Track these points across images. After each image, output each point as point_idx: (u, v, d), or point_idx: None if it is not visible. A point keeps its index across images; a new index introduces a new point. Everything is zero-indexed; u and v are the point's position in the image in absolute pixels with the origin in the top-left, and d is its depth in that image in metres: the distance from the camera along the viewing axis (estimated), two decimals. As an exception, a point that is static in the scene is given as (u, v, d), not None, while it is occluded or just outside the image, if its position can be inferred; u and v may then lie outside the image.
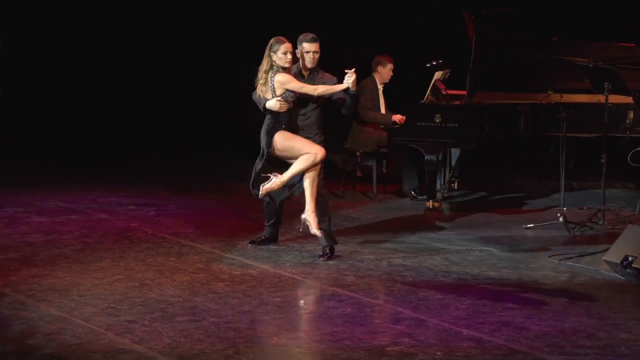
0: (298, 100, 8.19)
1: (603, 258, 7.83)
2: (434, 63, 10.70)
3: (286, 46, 8.10)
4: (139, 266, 7.76)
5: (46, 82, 14.88)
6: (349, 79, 8.14)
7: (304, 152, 8.13)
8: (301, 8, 13.40)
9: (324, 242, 8.23)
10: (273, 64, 8.12)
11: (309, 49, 8.25)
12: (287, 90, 8.11)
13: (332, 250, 8.21)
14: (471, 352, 5.80)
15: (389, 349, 5.85)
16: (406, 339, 6.02)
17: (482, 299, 6.95)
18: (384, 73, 11.05)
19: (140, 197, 10.82)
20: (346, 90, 8.19)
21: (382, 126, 10.95)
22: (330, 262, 8.04)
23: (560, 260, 8.16)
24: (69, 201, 10.48)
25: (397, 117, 10.61)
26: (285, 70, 8.11)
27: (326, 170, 12.39)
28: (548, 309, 6.72)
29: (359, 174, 11.54)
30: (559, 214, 9.45)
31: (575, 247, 8.68)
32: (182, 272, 7.62)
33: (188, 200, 10.72)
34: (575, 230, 9.32)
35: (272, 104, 8.09)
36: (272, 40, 8.15)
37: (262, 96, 8.15)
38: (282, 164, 8.22)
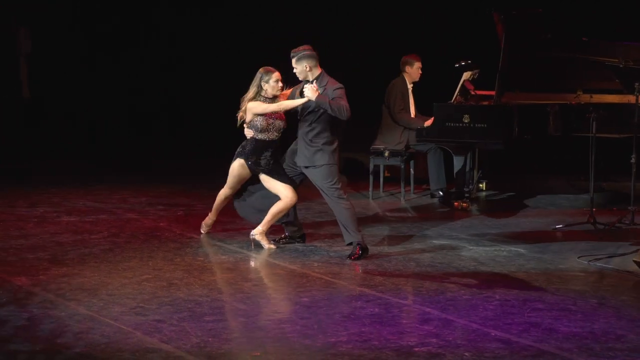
0: (301, 114, 8.27)
1: (633, 259, 7.79)
2: (463, 63, 10.66)
3: (276, 75, 8.38)
4: (167, 266, 7.78)
5: (74, 84, 14.94)
6: (307, 89, 8.07)
7: (280, 193, 8.40)
8: (328, 8, 13.39)
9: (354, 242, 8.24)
10: (260, 92, 8.36)
11: (294, 66, 8.25)
12: (256, 115, 8.37)
13: (363, 250, 8.22)
14: (499, 353, 5.77)
15: (416, 349, 5.84)
16: (434, 340, 6.01)
17: (511, 300, 6.92)
18: (412, 72, 11.04)
19: (168, 197, 10.85)
20: (307, 101, 8.16)
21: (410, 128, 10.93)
22: (358, 262, 8.03)
23: (590, 261, 8.12)
24: (98, 201, 10.53)
25: (429, 123, 10.57)
26: (279, 96, 8.42)
27: (354, 170, 12.47)
28: (577, 310, 6.68)
29: (386, 174, 11.52)
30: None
31: (604, 248, 8.63)
32: (210, 271, 7.64)
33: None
34: (604, 231, 9.26)
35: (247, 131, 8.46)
36: (261, 71, 8.38)
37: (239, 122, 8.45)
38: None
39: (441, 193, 11.01)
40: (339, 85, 8.22)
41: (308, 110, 8.23)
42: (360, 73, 12.95)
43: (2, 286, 7.07)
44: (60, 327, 6.17)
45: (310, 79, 8.22)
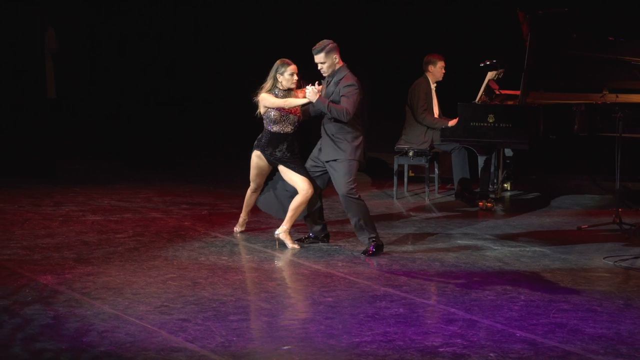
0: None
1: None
2: (488, 63, 10.63)
3: (292, 68, 8.45)
4: (191, 265, 7.80)
5: (97, 83, 15.00)
6: (308, 91, 8.15)
7: (297, 186, 8.42)
8: (352, 6, 13.37)
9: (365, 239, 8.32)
10: (275, 84, 8.45)
11: (316, 61, 8.28)
12: (267, 108, 8.46)
13: (378, 247, 8.26)
14: (525, 354, 5.76)
15: (441, 349, 5.83)
16: (459, 340, 5.99)
17: (536, 300, 6.90)
18: (435, 72, 11.01)
19: (192, 196, 10.88)
20: (309, 103, 8.28)
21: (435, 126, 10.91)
22: (382, 262, 8.02)
23: (615, 261, 8.08)
24: (122, 200, 10.56)
25: (453, 123, 10.55)
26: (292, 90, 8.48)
27: (379, 169, 12.46)
28: (603, 311, 6.65)
29: (411, 173, 11.51)
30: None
31: (630, 248, 8.58)
32: (234, 271, 7.65)
33: (241, 199, 10.73)
34: (630, 231, 9.21)
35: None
36: (278, 62, 8.47)
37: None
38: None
39: (465, 193, 10.98)
40: (352, 82, 8.21)
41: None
42: (384, 72, 12.94)
43: (28, 285, 7.10)
44: (86, 325, 6.19)
45: (335, 72, 8.24)
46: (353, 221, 8.32)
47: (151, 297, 6.85)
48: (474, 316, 6.52)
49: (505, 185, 11.59)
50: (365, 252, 8.23)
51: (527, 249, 8.57)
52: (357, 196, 8.29)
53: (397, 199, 10.97)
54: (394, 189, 11.06)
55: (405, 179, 11.31)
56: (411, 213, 10.24)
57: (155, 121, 14.99)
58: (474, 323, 6.37)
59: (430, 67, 11.02)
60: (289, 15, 13.74)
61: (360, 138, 8.36)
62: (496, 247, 8.64)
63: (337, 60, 8.23)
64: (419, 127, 10.96)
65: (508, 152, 11.36)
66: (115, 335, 6.00)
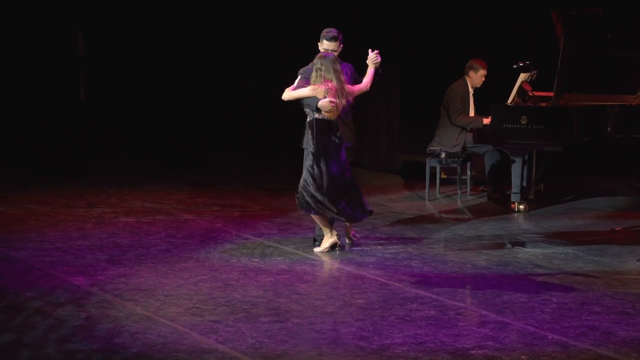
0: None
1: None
2: (521, 64, 10.58)
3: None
4: (223, 267, 7.82)
5: (127, 84, 15.05)
6: (322, 104, 8.11)
7: None
8: (388, 7, 13.35)
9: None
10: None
11: (327, 47, 8.34)
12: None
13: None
14: (557, 357, 5.72)
15: (472, 352, 5.81)
16: (490, 342, 5.97)
17: (568, 303, 6.85)
18: (475, 78, 10.95)
19: (224, 198, 10.90)
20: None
21: (468, 128, 10.87)
22: (413, 264, 8.00)
23: (649, 264, 8.02)
24: (155, 202, 10.61)
25: (488, 121, 10.51)
26: None
27: (411, 171, 12.43)
28: (636, 313, 6.60)
29: (443, 175, 11.47)
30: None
31: (664, 251, 8.52)
32: (265, 272, 7.66)
33: (272, 201, 10.77)
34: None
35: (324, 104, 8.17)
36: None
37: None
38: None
39: (498, 195, 10.94)
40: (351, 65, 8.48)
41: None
42: (419, 73, 12.91)
43: (61, 286, 7.15)
44: (118, 327, 6.22)
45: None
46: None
47: (183, 298, 6.88)
48: (505, 318, 6.49)
49: (538, 187, 11.52)
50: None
51: (560, 251, 8.52)
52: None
53: (429, 200, 10.94)
54: (426, 190, 11.02)
55: (438, 181, 11.27)
56: (443, 215, 10.21)
57: (186, 122, 15.02)
58: (506, 325, 6.34)
59: (471, 73, 10.96)
60: (321, 16, 13.73)
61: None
62: (528, 249, 8.59)
63: (341, 48, 8.43)
64: (452, 129, 10.92)
65: (541, 153, 11.29)
66: (146, 337, 6.03)
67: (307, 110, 8.23)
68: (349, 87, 8.23)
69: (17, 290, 6.99)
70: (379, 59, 8.32)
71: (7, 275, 7.43)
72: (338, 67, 8.13)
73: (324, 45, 8.38)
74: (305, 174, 8.21)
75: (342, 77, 8.14)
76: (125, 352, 5.77)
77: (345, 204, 8.21)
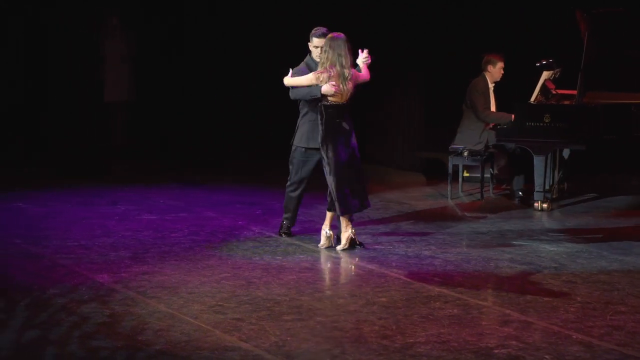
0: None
1: None
2: (544, 62, 10.55)
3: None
4: (246, 265, 7.83)
5: (152, 85, 15.09)
6: (326, 87, 8.20)
7: None
8: (406, 5, 13.34)
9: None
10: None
11: (317, 45, 8.41)
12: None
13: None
14: (581, 356, 5.70)
15: (496, 351, 5.79)
16: (514, 342, 5.95)
17: (592, 302, 6.83)
18: (494, 72, 10.94)
19: (247, 196, 10.92)
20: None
21: (491, 126, 10.84)
22: (436, 262, 7.99)
23: (674, 263, 7.98)
24: (178, 199, 10.63)
25: (514, 116, 10.49)
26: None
27: (433, 169, 12.41)
28: (661, 313, 6.57)
29: (465, 173, 11.45)
30: None
31: (689, 250, 8.47)
32: (288, 271, 7.66)
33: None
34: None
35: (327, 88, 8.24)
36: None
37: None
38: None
39: (521, 193, 10.90)
40: None
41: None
42: (440, 71, 12.89)
43: (85, 283, 7.18)
44: (141, 324, 6.24)
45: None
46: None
47: (206, 296, 6.89)
48: (529, 317, 6.47)
49: (562, 185, 11.48)
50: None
51: (584, 250, 8.49)
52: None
53: (451, 199, 10.92)
54: (449, 189, 11.00)
55: (460, 179, 11.25)
56: (466, 213, 10.18)
57: (210, 120, 15.03)
58: (529, 324, 6.32)
59: (490, 67, 10.94)
60: (346, 16, 13.72)
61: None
62: (552, 248, 8.56)
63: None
64: (475, 127, 10.89)
65: (565, 152, 11.25)
66: (170, 334, 6.04)
67: (303, 106, 8.39)
68: (354, 73, 8.24)
69: (42, 288, 7.03)
70: (369, 60, 8.33)
71: (31, 272, 7.47)
72: (343, 50, 8.17)
73: (314, 43, 8.49)
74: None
75: (346, 61, 8.16)
76: (148, 350, 5.79)
77: (349, 192, 8.23)
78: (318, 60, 8.35)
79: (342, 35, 8.23)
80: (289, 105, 8.88)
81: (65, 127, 14.13)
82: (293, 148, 8.63)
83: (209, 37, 14.85)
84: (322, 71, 8.17)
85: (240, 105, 14.81)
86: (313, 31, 8.53)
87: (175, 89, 14.96)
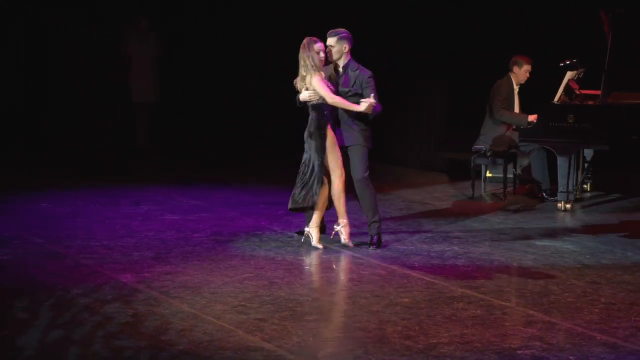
0: (345, 95, 8.45)
1: None
2: (568, 62, 10.50)
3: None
4: (268, 265, 7.83)
5: (176, 84, 15.11)
6: (364, 104, 8.27)
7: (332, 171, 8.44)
8: (437, 9, 13.32)
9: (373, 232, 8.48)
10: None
11: (327, 44, 8.52)
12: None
13: (379, 240, 8.47)
14: (605, 358, 5.68)
15: (519, 352, 5.77)
16: (537, 343, 5.93)
17: (617, 303, 6.79)
18: (519, 74, 10.89)
19: (269, 196, 10.92)
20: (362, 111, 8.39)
21: (514, 126, 10.80)
22: (459, 263, 7.97)
23: (699, 264, 7.93)
24: (200, 199, 10.64)
25: (533, 117, 10.45)
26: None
27: (456, 169, 12.38)
28: (686, 314, 6.53)
29: (488, 174, 11.41)
30: None
31: None
32: (311, 271, 7.65)
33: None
34: None
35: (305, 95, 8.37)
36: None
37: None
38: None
39: (544, 194, 10.86)
40: (370, 73, 8.48)
41: (350, 94, 8.43)
42: (464, 72, 12.86)
43: (108, 283, 7.20)
44: (164, 324, 6.25)
45: (343, 62, 8.48)
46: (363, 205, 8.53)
47: (228, 296, 6.90)
48: (553, 318, 6.44)
49: (585, 185, 11.43)
50: (370, 244, 8.44)
51: (608, 251, 8.45)
52: (370, 183, 8.53)
53: (474, 199, 10.88)
54: (472, 189, 10.97)
55: (483, 180, 11.22)
56: (489, 214, 10.14)
57: (232, 120, 15.04)
58: (553, 325, 6.29)
59: (515, 68, 10.90)
60: (369, 17, 13.72)
61: (362, 129, 8.51)
62: (576, 249, 8.52)
63: (346, 49, 8.48)
64: (498, 127, 10.86)
65: (588, 152, 11.20)
66: (193, 334, 6.05)
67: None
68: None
69: (65, 287, 7.05)
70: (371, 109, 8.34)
71: (55, 272, 7.50)
72: (302, 54, 8.33)
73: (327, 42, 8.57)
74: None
75: (303, 63, 8.33)
76: (171, 350, 5.80)
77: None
78: (330, 60, 8.48)
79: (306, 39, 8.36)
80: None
81: (89, 126, 14.19)
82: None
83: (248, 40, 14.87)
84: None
85: (261, 105, 14.82)
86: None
87: (199, 89, 14.98)
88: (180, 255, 8.12)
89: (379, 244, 8.42)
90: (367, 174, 8.49)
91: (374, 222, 8.47)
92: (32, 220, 9.39)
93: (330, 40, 8.48)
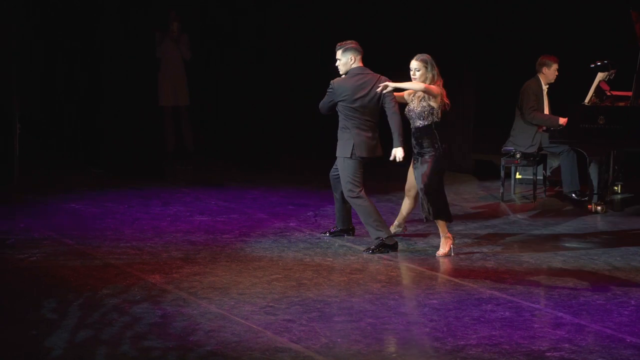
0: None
1: None
2: (599, 63, 10.44)
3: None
4: (297, 266, 7.84)
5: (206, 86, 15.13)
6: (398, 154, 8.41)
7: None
8: (466, 8, 13.26)
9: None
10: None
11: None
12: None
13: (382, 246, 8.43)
14: (635, 360, 5.64)
15: (548, 354, 5.75)
16: (566, 345, 5.90)
17: (647, 306, 6.75)
18: (548, 74, 10.84)
19: (298, 197, 10.92)
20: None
21: (544, 128, 10.75)
22: (488, 264, 7.94)
23: None
24: (229, 200, 10.66)
25: (564, 120, 10.39)
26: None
27: (486, 171, 12.32)
28: None
29: (518, 175, 11.36)
30: None
31: None
32: (339, 272, 7.66)
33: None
34: None
35: None
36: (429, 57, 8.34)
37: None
38: None
39: (574, 196, 10.80)
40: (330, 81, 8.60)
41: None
42: (493, 73, 12.81)
43: (137, 284, 7.23)
44: (192, 325, 6.27)
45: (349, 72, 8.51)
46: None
47: (256, 297, 6.91)
48: (582, 321, 6.40)
49: (616, 187, 11.35)
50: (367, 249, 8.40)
51: (638, 253, 8.38)
52: (356, 195, 8.46)
53: (503, 201, 10.84)
54: (501, 191, 10.92)
55: (513, 181, 11.17)
56: (518, 215, 10.10)
57: (260, 121, 15.03)
58: (582, 328, 6.26)
59: (544, 69, 10.85)
60: (399, 17, 13.68)
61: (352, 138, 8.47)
62: (606, 251, 8.47)
63: (352, 61, 8.48)
64: (527, 129, 10.80)
65: (619, 153, 11.11)
66: (221, 335, 6.07)
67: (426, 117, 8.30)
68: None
69: (94, 288, 7.09)
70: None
71: (84, 272, 7.54)
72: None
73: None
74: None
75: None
76: (199, 350, 5.82)
77: None
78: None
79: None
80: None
81: (121, 127, 14.23)
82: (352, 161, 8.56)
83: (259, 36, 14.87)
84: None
85: (291, 106, 14.82)
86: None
87: (227, 91, 14.98)
88: (209, 256, 8.14)
89: (373, 251, 8.34)
90: (353, 190, 8.47)
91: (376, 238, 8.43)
92: (62, 220, 9.44)
93: (337, 54, 8.53)
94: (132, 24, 13.96)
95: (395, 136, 8.34)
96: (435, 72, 8.25)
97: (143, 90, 13.78)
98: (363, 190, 8.48)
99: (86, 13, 13.65)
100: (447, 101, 8.30)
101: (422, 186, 8.22)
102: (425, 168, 8.22)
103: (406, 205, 8.78)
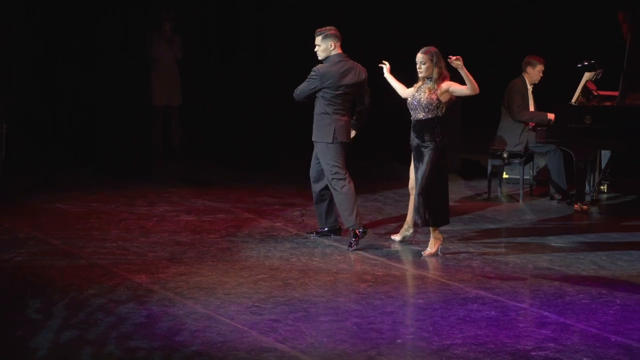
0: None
1: None
2: (586, 63, 10.46)
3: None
4: (283, 266, 7.83)
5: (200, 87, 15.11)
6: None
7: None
8: (450, 9, 13.30)
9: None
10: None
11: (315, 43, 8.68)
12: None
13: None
14: (620, 359, 5.64)
15: (533, 353, 5.76)
16: (551, 344, 5.91)
17: (632, 305, 6.77)
18: (532, 74, 10.86)
19: (285, 197, 10.91)
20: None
21: (530, 127, 10.77)
22: (474, 264, 7.95)
23: None
24: (215, 200, 10.65)
25: (552, 116, 10.41)
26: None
27: (473, 171, 12.34)
28: (702, 316, 6.49)
29: (505, 175, 11.38)
30: None
31: None
32: (325, 272, 7.66)
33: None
34: None
35: None
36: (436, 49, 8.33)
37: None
38: None
39: (561, 195, 10.82)
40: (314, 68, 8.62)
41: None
42: (479, 72, 12.81)
43: (123, 284, 7.21)
44: (178, 325, 6.26)
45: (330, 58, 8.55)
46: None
47: (242, 297, 6.90)
48: (567, 320, 6.42)
49: (602, 187, 11.38)
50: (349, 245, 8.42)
51: (624, 253, 8.41)
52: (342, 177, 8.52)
53: (490, 200, 10.85)
54: (488, 190, 10.94)
55: (500, 181, 11.19)
56: (505, 215, 10.11)
57: (262, 121, 15.01)
58: (568, 327, 6.27)
59: (529, 69, 10.87)
60: (396, 16, 13.70)
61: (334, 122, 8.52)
62: (591, 250, 8.49)
63: (332, 47, 8.53)
64: (514, 128, 10.82)
65: (605, 153, 11.15)
66: (206, 335, 6.06)
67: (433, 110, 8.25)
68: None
69: (80, 288, 7.07)
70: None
71: (69, 272, 7.52)
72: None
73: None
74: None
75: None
76: (185, 350, 5.81)
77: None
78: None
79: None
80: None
81: (109, 128, 14.19)
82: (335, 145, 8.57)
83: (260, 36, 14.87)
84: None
85: (277, 106, 14.81)
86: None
87: (227, 91, 14.98)
88: (195, 256, 8.13)
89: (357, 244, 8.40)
90: (339, 172, 8.50)
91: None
92: (47, 220, 9.41)
93: (316, 40, 8.56)
94: (132, 24, 13.97)
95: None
96: (442, 65, 8.21)
97: (143, 90, 13.78)
98: (348, 174, 8.48)
99: (86, 13, 13.65)
100: (453, 97, 8.29)
101: (420, 190, 8.21)
102: (425, 169, 8.19)
103: (413, 203, 8.74)
